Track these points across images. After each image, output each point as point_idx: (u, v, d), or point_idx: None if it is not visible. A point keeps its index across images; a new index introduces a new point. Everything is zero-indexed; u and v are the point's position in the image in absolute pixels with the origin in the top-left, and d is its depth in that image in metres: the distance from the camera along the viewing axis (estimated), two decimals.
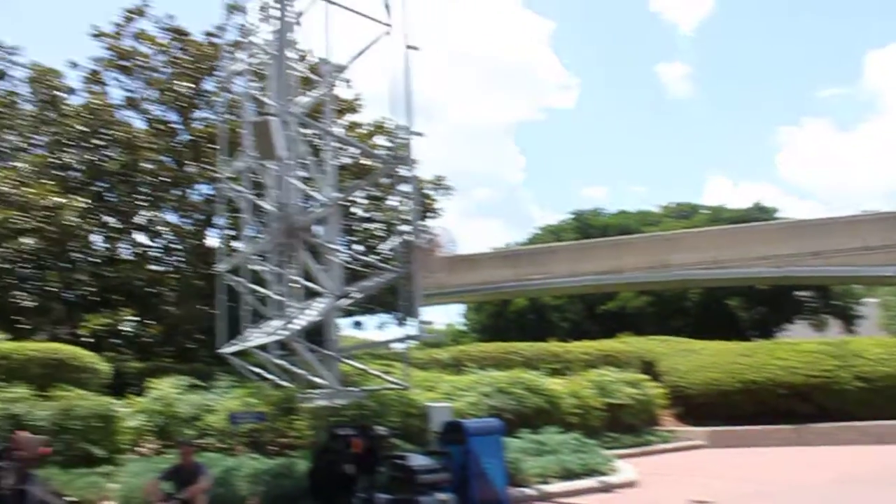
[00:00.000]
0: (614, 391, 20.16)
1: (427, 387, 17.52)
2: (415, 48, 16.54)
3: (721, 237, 29.36)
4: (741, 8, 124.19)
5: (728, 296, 44.56)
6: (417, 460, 10.85)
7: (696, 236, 30.57)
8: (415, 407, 15.29)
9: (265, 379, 17.23)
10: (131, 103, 26.74)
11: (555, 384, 19.10)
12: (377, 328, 31.01)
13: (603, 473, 14.66)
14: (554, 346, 25.40)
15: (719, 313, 44.47)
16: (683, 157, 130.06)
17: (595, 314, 48.12)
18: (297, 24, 18.98)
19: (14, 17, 76.82)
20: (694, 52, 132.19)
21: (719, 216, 51.09)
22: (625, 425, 19.87)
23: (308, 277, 17.21)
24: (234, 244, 21.93)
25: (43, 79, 26.57)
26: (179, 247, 25.83)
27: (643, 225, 52.30)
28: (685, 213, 57.53)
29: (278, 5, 17.63)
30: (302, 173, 18.12)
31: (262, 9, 20.79)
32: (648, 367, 23.76)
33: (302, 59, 23.82)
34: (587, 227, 57.31)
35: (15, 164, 23.95)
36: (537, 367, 20.83)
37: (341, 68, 20.25)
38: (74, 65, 27.15)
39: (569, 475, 14.23)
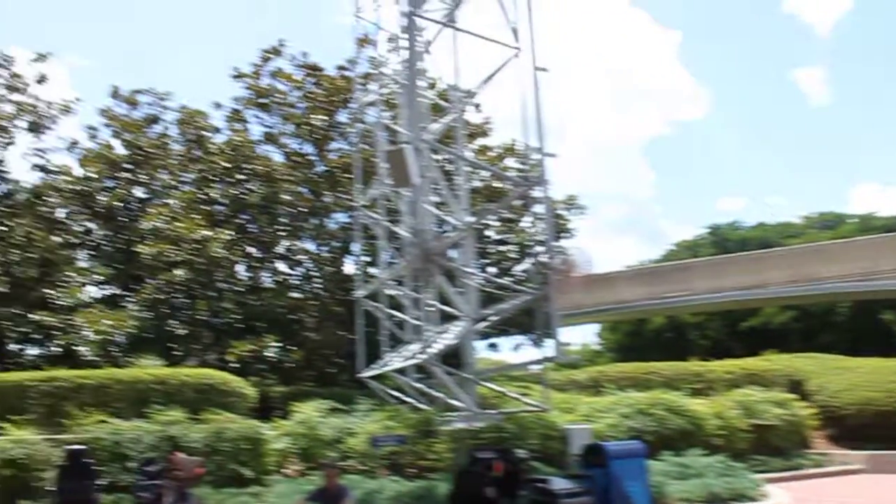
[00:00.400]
0: (761, 412, 19.24)
1: (566, 409, 17.30)
2: (543, 70, 16.52)
3: (874, 246, 27.72)
4: (880, 3, 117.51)
5: (883, 309, 41.86)
6: (559, 483, 10.70)
7: (845, 247, 29.01)
8: (554, 429, 15.13)
9: (404, 402, 17.50)
10: (270, 138, 27.98)
11: (697, 405, 18.45)
12: (512, 350, 30.87)
13: (752, 499, 14.00)
14: (695, 365, 24.58)
15: (874, 328, 41.77)
16: (825, 165, 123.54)
17: (737, 331, 46.26)
18: (426, 52, 19.35)
19: (164, 64, 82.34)
20: (833, 55, 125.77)
21: (870, 225, 48.22)
22: (773, 448, 18.92)
23: (444, 301, 17.39)
24: (371, 270, 22.45)
25: (191, 120, 28.23)
26: (318, 274, 26.71)
27: (784, 237, 50.11)
28: (830, 223, 54.72)
29: (407, 36, 18.07)
30: (435, 199, 18.38)
31: (391, 40, 21.41)
32: (796, 387, 22.55)
33: (431, 86, 24.27)
34: (724, 241, 55.43)
35: (167, 201, 25.45)
36: (678, 387, 20.16)
37: (471, 94, 20.46)
38: (218, 105, 28.78)
39: (715, 500, 13.68)
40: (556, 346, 15.98)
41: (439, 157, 20.08)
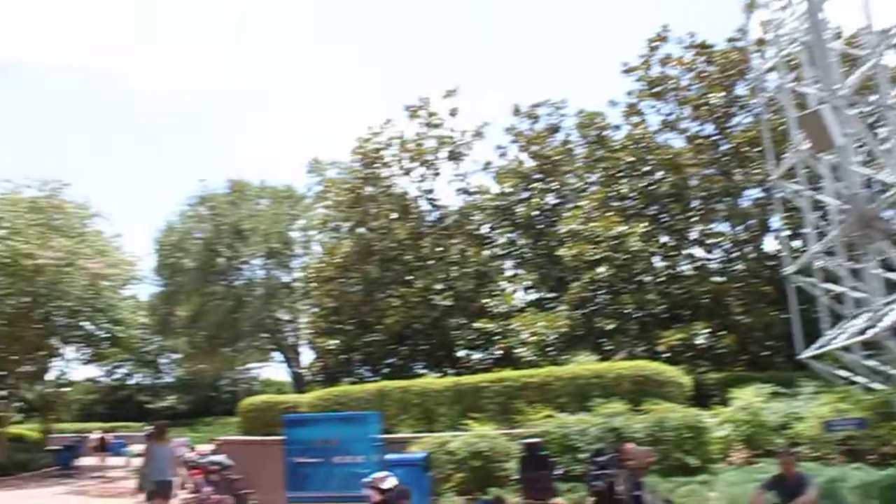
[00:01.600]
0: None
1: None
2: None
3: None
4: None
5: None
6: None
7: None
8: None
9: (854, 382, 16.05)
10: (668, 125, 27.67)
11: None
12: None
13: None
14: None
15: None
16: None
17: None
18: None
19: (555, 74, 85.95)
20: None
21: None
22: None
23: (889, 268, 15.67)
24: (796, 244, 21.05)
25: (590, 122, 29.17)
26: (738, 255, 25.77)
27: None
28: None
29: None
30: (862, 157, 16.69)
31: None
32: None
33: (837, 36, 22.12)
34: None
35: (579, 203, 26.49)
36: None
37: (888, 33, 18.23)
38: (613, 103, 29.26)
39: None
40: None
41: (860, 110, 18.20)
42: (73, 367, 39.09)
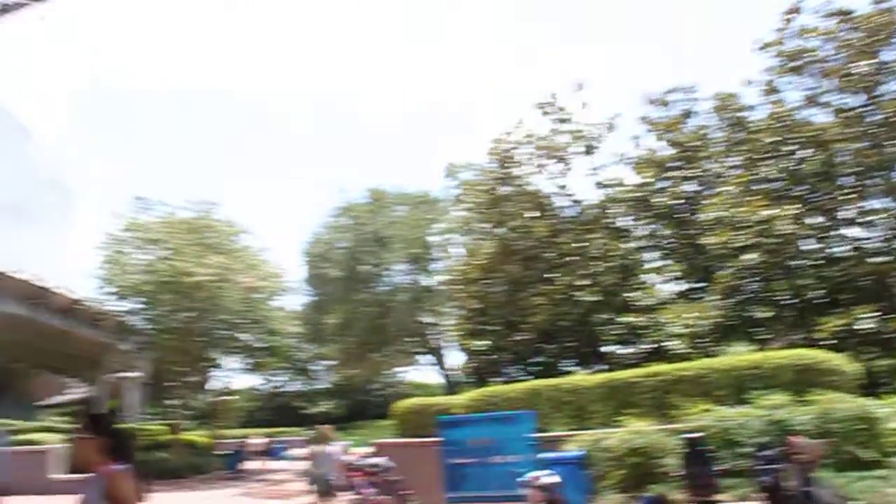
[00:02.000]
0: None
1: None
2: None
3: None
4: None
5: None
6: None
7: None
8: None
9: None
10: (811, 101, 26.35)
11: None
12: None
13: None
14: None
15: None
16: None
17: None
18: None
19: (684, 59, 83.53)
20: None
21: None
22: None
23: None
24: None
25: (726, 105, 28.23)
26: None
27: None
28: None
29: None
30: None
31: None
32: None
33: None
34: None
35: (720, 189, 25.69)
36: None
37: None
38: (749, 82, 28.18)
39: None
40: None
41: None
42: (234, 376, 41.37)
